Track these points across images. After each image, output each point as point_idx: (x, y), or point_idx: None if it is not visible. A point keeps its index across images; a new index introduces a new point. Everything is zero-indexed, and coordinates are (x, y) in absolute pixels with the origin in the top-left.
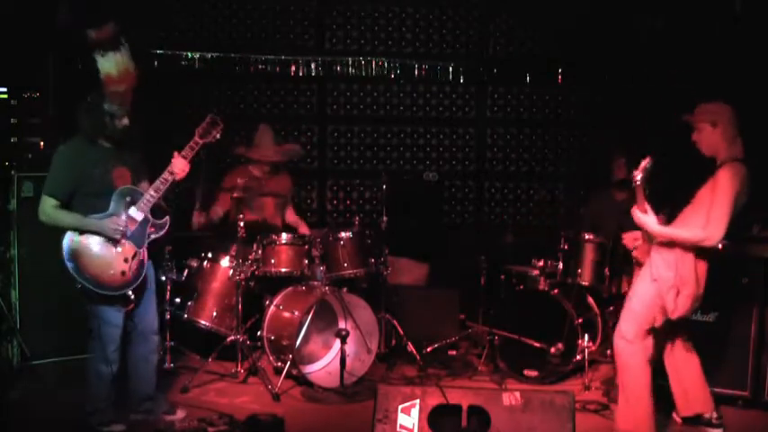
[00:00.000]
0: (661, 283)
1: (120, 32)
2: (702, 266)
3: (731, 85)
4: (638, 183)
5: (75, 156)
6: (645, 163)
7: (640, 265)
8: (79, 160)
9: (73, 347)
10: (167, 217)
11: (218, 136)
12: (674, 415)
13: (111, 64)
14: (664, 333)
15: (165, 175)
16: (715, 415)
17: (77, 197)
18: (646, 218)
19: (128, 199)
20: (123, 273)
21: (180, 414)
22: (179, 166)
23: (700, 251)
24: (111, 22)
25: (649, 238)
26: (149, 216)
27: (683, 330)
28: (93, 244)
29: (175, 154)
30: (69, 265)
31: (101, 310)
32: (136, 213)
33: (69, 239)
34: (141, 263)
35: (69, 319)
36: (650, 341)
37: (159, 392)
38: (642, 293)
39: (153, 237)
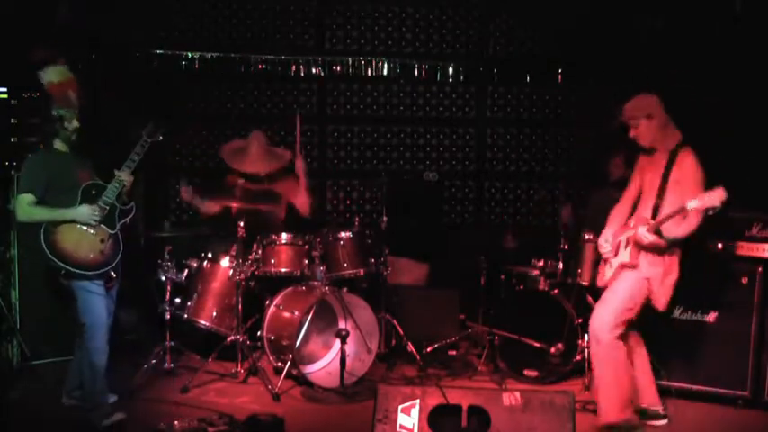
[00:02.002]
0: (653, 279)
1: (56, 54)
2: (680, 253)
3: (731, 85)
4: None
5: (42, 160)
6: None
7: (633, 266)
8: (46, 164)
9: (73, 347)
10: (132, 203)
11: (160, 137)
12: None
13: (50, 74)
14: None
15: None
16: (661, 407)
17: (48, 196)
18: (651, 238)
19: (93, 192)
20: (101, 252)
21: (118, 416)
22: (125, 175)
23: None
24: (44, 49)
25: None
26: (116, 203)
27: (636, 325)
28: (70, 230)
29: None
30: (50, 253)
31: (86, 283)
32: (103, 203)
33: (46, 230)
34: (117, 243)
35: (69, 319)
36: (623, 334)
37: (105, 396)
38: (626, 291)
39: (123, 220)
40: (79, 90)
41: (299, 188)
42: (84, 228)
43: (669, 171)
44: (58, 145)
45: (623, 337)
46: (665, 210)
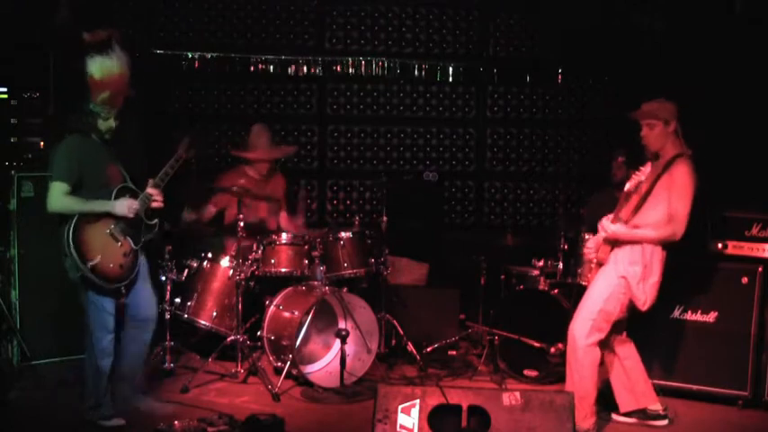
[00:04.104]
0: (630, 278)
1: (112, 38)
2: (664, 255)
3: (731, 85)
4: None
5: (76, 146)
6: (640, 174)
7: (601, 264)
8: (80, 150)
9: (73, 347)
10: (157, 220)
11: (194, 155)
12: (614, 415)
13: (96, 67)
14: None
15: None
16: (661, 407)
17: (81, 191)
18: (615, 228)
19: (127, 196)
20: (121, 266)
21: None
22: (155, 193)
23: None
24: (106, 28)
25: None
26: (143, 217)
27: (623, 327)
28: (99, 235)
29: (150, 182)
30: (73, 253)
31: (97, 298)
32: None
33: (76, 227)
34: (136, 260)
35: (69, 319)
36: (603, 340)
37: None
38: (602, 292)
39: (147, 236)
40: (125, 89)
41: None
42: (112, 235)
43: (660, 176)
44: (93, 135)
45: (604, 343)
46: (645, 210)
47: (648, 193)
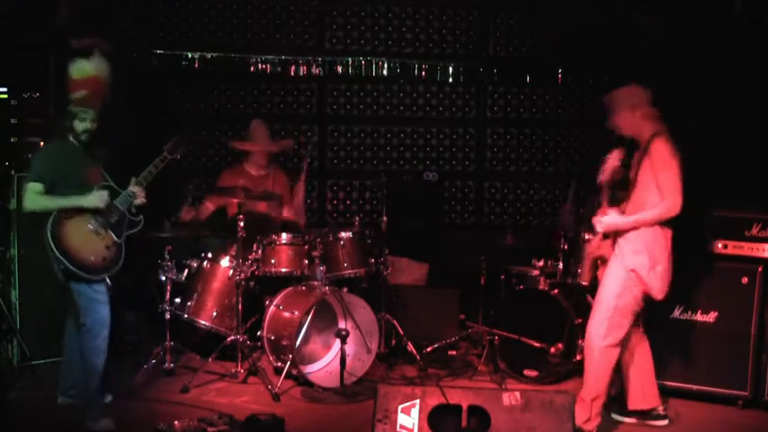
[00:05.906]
0: (639, 269)
1: (95, 46)
2: (668, 239)
3: (731, 85)
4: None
5: (56, 150)
6: (610, 162)
7: (605, 261)
8: (60, 154)
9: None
10: (141, 216)
11: (179, 156)
12: (613, 415)
13: (75, 68)
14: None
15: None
16: (662, 407)
17: (57, 191)
18: (609, 219)
19: (108, 194)
20: (104, 258)
21: (105, 423)
22: (138, 191)
23: (663, 225)
24: (93, 37)
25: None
26: (126, 213)
27: (640, 321)
28: (79, 228)
29: (133, 180)
30: (54, 246)
31: (84, 289)
32: (114, 208)
33: (55, 221)
34: (120, 253)
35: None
36: (622, 338)
37: (101, 395)
38: (614, 289)
39: (130, 231)
40: (101, 92)
41: (292, 201)
42: (92, 230)
43: (642, 160)
44: (72, 139)
45: (624, 341)
46: (636, 197)
47: (635, 179)
